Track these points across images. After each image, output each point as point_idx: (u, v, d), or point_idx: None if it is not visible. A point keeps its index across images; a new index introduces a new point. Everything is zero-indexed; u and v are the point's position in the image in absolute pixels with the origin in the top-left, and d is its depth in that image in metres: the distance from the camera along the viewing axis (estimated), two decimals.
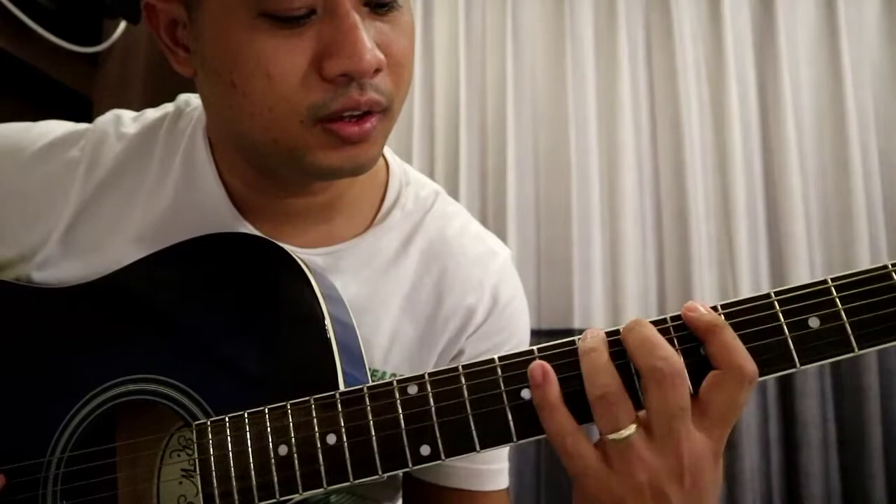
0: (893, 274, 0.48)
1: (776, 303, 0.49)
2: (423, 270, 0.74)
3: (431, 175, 1.93)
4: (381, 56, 0.57)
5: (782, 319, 0.49)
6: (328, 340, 0.57)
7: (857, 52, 1.89)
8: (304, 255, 0.67)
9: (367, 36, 0.56)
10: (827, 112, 1.89)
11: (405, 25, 0.61)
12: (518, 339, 0.79)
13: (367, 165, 0.63)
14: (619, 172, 1.90)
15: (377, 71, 0.57)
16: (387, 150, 0.77)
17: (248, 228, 0.69)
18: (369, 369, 0.69)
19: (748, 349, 0.49)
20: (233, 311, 0.61)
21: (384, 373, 0.71)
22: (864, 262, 1.78)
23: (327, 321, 0.57)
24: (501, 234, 1.86)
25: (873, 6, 1.93)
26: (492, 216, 1.94)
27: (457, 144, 1.96)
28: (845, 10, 1.89)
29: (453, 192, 1.89)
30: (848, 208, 1.82)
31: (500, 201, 1.93)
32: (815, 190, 1.88)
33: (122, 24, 1.66)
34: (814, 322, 0.48)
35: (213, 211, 0.70)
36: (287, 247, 0.65)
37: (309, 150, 0.59)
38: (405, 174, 0.78)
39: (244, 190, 0.70)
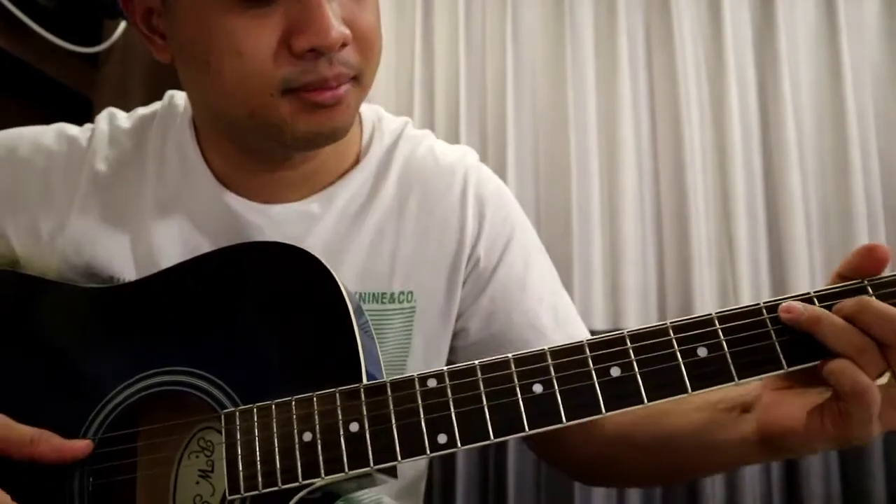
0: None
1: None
2: (406, 190, 0.78)
3: None
4: (346, 31, 0.61)
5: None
6: (354, 340, 0.59)
7: (857, 52, 1.89)
8: (301, 207, 0.73)
9: (333, 13, 0.60)
10: (827, 112, 1.89)
11: (369, 1, 0.66)
12: (518, 221, 0.83)
13: (342, 130, 0.67)
14: (619, 172, 1.90)
15: (343, 45, 0.61)
16: None
17: (240, 201, 0.73)
18: (377, 294, 0.74)
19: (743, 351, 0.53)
20: (264, 311, 0.64)
21: (392, 293, 0.75)
22: None
23: (353, 322, 0.60)
24: None
25: (873, 6, 1.93)
26: None
27: (456, 144, 1.95)
28: (845, 10, 1.89)
29: None
30: (848, 208, 1.82)
31: None
32: (815, 190, 1.88)
33: (122, 24, 1.66)
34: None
35: (206, 193, 0.74)
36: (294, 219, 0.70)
37: (284, 119, 0.63)
38: (375, 112, 0.83)
39: (230, 171, 0.74)
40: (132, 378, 0.64)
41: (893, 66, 1.90)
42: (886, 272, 0.53)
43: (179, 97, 0.80)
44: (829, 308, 0.52)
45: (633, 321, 1.82)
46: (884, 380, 0.50)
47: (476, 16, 2.03)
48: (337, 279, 0.62)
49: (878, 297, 0.52)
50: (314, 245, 0.72)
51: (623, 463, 0.72)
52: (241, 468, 0.55)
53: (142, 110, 0.81)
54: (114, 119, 0.80)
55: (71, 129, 0.80)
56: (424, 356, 0.78)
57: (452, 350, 0.82)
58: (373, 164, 0.78)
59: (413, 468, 0.83)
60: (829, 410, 0.52)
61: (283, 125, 0.63)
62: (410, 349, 0.77)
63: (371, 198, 0.76)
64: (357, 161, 0.78)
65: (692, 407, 0.64)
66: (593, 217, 1.88)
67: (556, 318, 0.81)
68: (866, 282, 0.52)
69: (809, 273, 1.80)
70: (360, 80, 0.66)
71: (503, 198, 0.84)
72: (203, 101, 0.70)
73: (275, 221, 0.73)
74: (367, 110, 0.82)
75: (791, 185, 1.83)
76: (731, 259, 1.83)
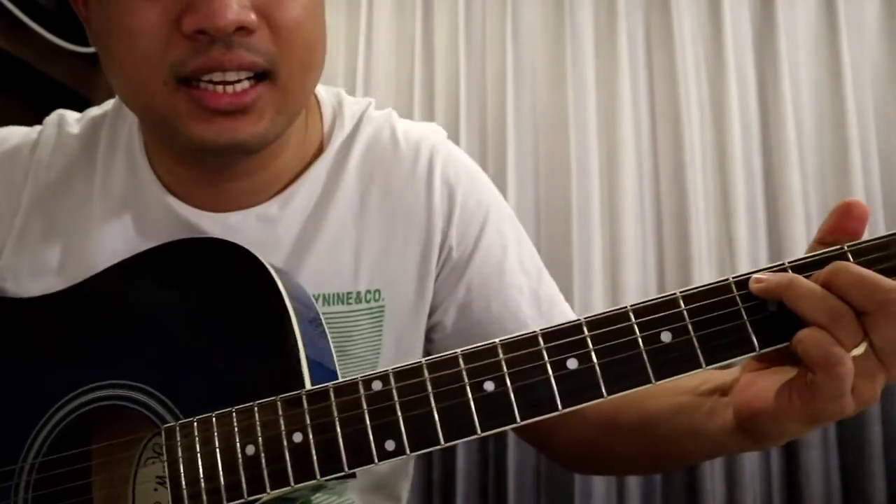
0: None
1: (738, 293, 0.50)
2: (366, 179, 0.72)
3: None
4: (251, 17, 0.55)
5: (740, 303, 0.49)
6: (294, 340, 0.56)
7: (857, 52, 1.89)
8: (259, 211, 0.67)
9: None
10: (827, 112, 1.89)
11: None
12: (493, 203, 0.76)
13: (252, 142, 0.59)
14: (619, 172, 1.90)
15: (247, 30, 0.55)
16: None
17: (194, 212, 0.68)
18: (342, 294, 0.69)
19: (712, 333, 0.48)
20: (201, 315, 0.60)
21: (358, 293, 0.70)
22: None
23: (293, 321, 0.56)
24: None
25: (873, 6, 1.93)
26: None
27: (456, 144, 1.95)
28: (845, 10, 1.89)
29: None
30: None
31: None
32: (815, 190, 1.88)
33: None
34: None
35: (155, 204, 0.69)
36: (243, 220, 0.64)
37: (178, 118, 0.57)
38: (336, 96, 0.76)
39: (178, 180, 0.69)
40: (71, 394, 0.60)
41: (893, 66, 1.90)
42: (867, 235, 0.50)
43: None
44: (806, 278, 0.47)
45: None
46: (860, 350, 0.45)
47: (476, 16, 2.03)
48: (273, 274, 0.58)
49: (859, 263, 0.47)
50: (275, 249, 0.67)
51: (607, 449, 0.68)
52: (184, 486, 0.52)
53: (94, 111, 0.75)
54: (63, 123, 0.74)
55: (14, 135, 0.74)
56: (396, 355, 0.72)
57: (431, 342, 0.76)
58: (333, 153, 0.72)
59: (386, 464, 0.79)
60: (798, 384, 0.47)
61: (177, 124, 0.58)
62: (381, 349, 0.72)
63: (330, 191, 0.70)
64: (320, 153, 0.72)
65: (674, 390, 0.59)
66: (593, 217, 1.88)
67: (539, 306, 0.75)
68: (846, 247, 0.48)
69: None
70: (276, 76, 0.58)
71: (475, 178, 0.77)
72: (119, 96, 0.64)
73: (232, 230, 0.67)
74: (328, 94, 0.76)
75: (791, 185, 1.83)
76: (731, 259, 1.83)
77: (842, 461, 1.76)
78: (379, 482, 0.76)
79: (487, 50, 2.01)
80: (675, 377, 0.48)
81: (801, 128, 1.88)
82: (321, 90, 0.75)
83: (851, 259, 0.47)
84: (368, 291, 0.70)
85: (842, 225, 0.49)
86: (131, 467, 0.60)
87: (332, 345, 0.60)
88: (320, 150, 0.72)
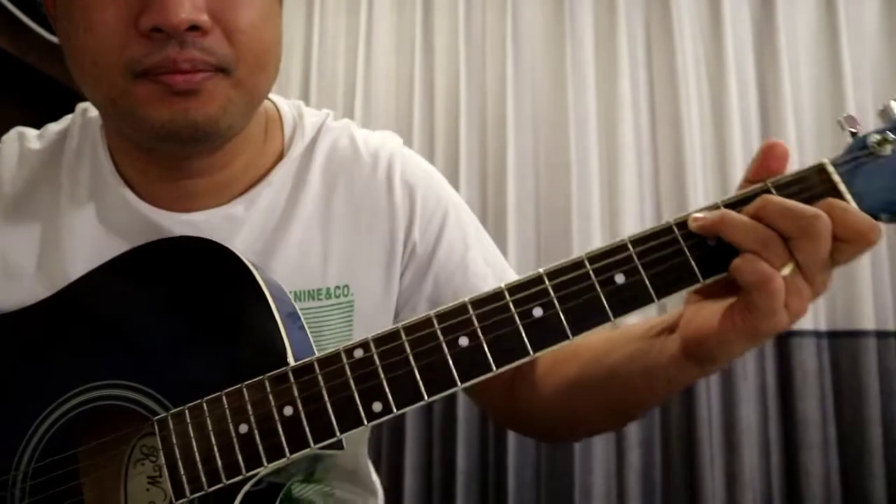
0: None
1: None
2: (330, 183, 0.76)
3: None
4: (203, 17, 0.58)
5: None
6: (275, 322, 0.58)
7: (857, 52, 1.89)
8: (224, 211, 0.70)
9: None
10: (827, 112, 1.89)
11: None
12: (451, 201, 0.81)
13: (204, 123, 0.61)
14: (619, 172, 1.90)
15: (201, 31, 0.58)
16: (275, 97, 0.78)
17: (159, 213, 0.70)
18: (312, 291, 0.72)
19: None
20: (185, 311, 0.62)
21: (327, 289, 0.73)
22: (864, 261, 1.78)
23: (275, 312, 0.59)
24: (501, 234, 1.86)
25: (873, 6, 1.93)
26: (492, 216, 1.94)
27: (457, 144, 1.96)
28: (845, 9, 1.89)
29: None
30: None
31: (500, 201, 1.93)
32: None
33: None
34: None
35: (122, 207, 0.71)
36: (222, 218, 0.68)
37: (139, 104, 0.60)
38: (297, 108, 0.80)
39: (144, 181, 0.71)
40: (60, 398, 0.62)
41: (893, 66, 1.91)
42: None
43: (93, 109, 0.76)
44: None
45: (634, 320, 1.84)
46: (787, 270, 0.51)
47: (476, 16, 2.04)
48: (254, 271, 0.61)
49: (781, 196, 0.52)
50: (241, 247, 0.69)
51: (578, 411, 0.71)
52: (182, 472, 0.54)
53: (53, 126, 0.78)
54: (23, 139, 0.77)
55: None
56: None
57: None
58: (295, 160, 0.76)
59: (350, 455, 0.80)
60: (739, 306, 0.52)
61: (138, 111, 0.60)
62: None
63: (295, 194, 0.74)
64: (281, 159, 0.76)
65: (628, 339, 0.64)
66: (593, 217, 1.88)
67: None
68: (769, 183, 0.53)
69: None
70: (230, 73, 0.61)
71: (432, 179, 0.82)
72: (85, 94, 0.67)
73: (198, 229, 0.70)
74: (288, 106, 0.79)
75: None
76: None
77: (842, 461, 1.76)
78: (352, 471, 0.80)
79: (487, 50, 2.01)
80: (631, 312, 0.53)
81: (801, 128, 1.89)
82: (283, 103, 0.79)
83: (775, 193, 0.52)
84: (337, 287, 0.73)
85: (766, 165, 0.54)
86: (122, 466, 0.61)
87: (311, 337, 0.63)
88: (281, 157, 0.76)
